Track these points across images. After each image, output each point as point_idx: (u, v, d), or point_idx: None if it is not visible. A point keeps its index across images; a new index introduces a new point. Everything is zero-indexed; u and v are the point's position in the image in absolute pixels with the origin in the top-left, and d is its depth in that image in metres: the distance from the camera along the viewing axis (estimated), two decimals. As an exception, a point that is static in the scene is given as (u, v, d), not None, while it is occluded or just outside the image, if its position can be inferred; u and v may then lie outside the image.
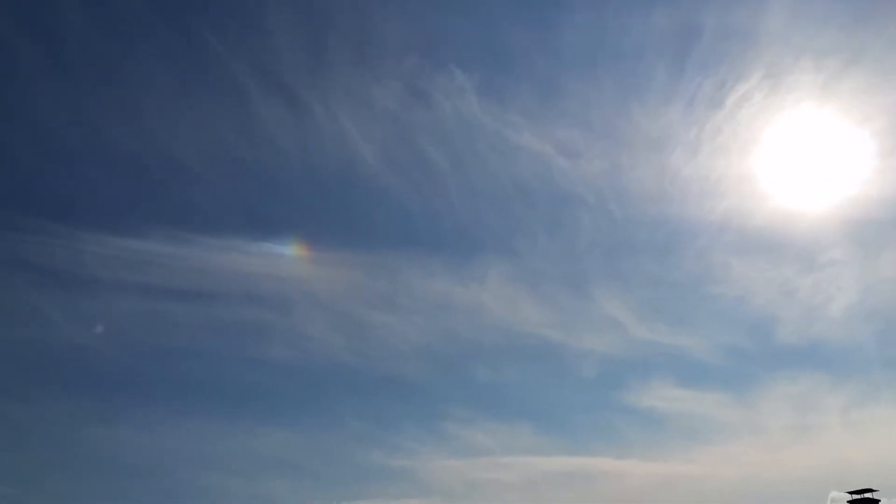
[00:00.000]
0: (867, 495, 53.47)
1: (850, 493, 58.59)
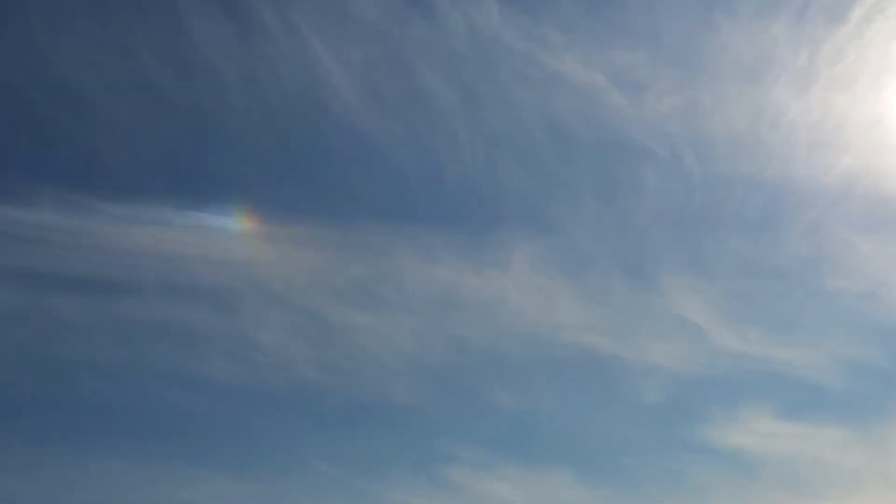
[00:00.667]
0: None
1: None
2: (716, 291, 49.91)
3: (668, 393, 46.59)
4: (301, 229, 45.93)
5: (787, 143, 44.88)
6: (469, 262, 48.25)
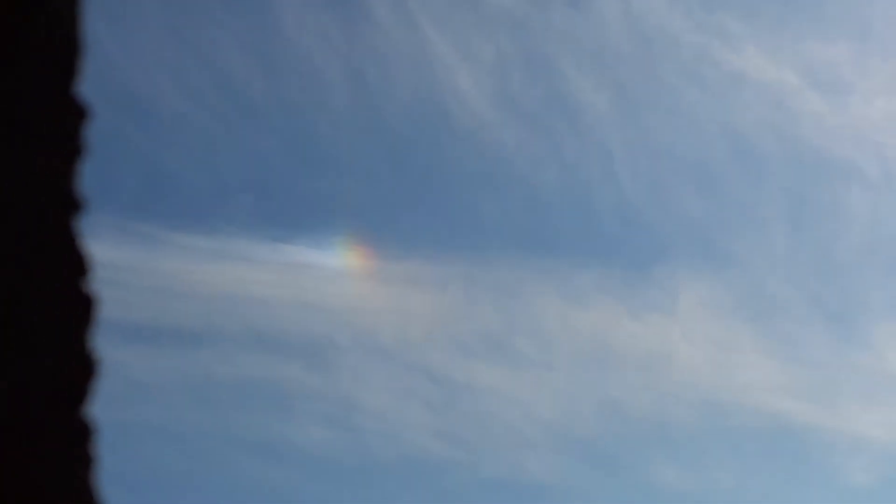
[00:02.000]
0: None
1: None
2: None
3: (882, 472, 36.60)
4: (417, 266, 36.13)
5: None
6: (626, 305, 38.49)
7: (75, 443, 5.81)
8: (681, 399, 37.94)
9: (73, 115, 5.12)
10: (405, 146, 37.70)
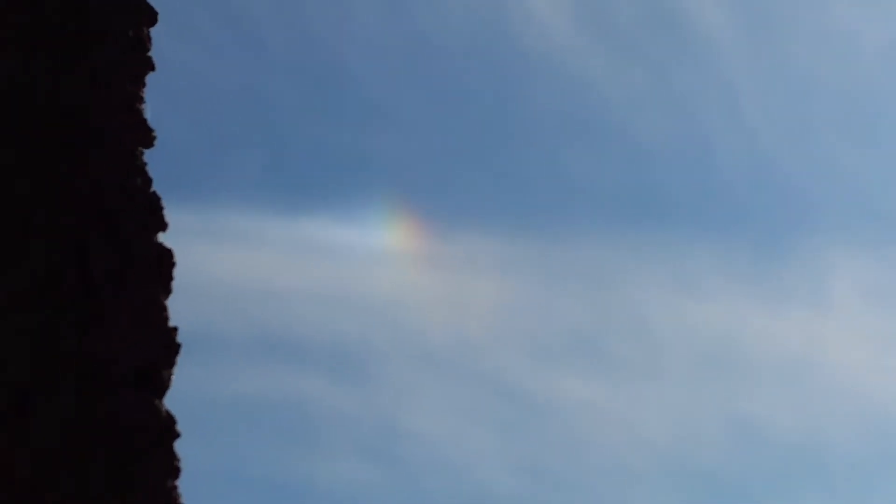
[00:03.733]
0: None
1: None
2: None
3: None
4: (479, 245, 24.91)
5: None
6: (759, 292, 27.77)
7: (159, 443, 5.28)
8: (836, 416, 27.41)
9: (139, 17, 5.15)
10: (461, 87, 25.92)
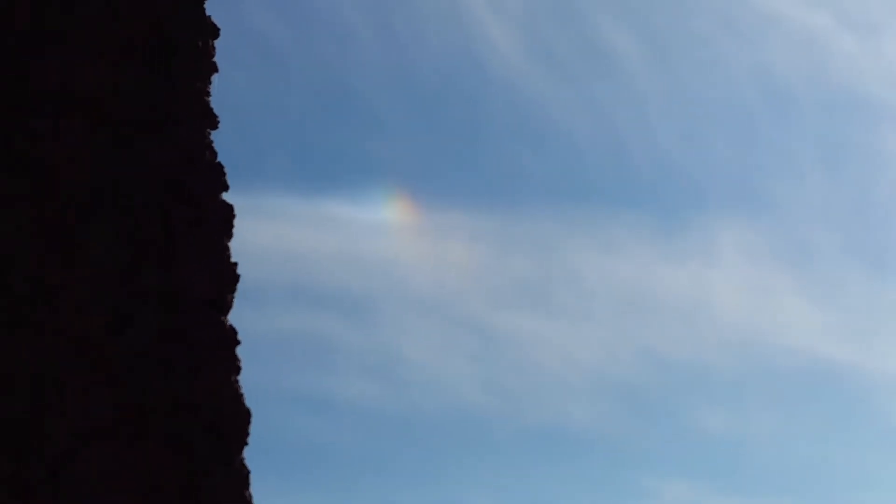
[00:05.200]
0: None
1: None
2: None
3: None
4: (454, 218, 35.28)
5: None
6: (663, 252, 37.60)
7: (224, 348, 7.06)
8: (720, 344, 37.13)
9: (206, 33, 6.84)
10: (439, 100, 36.85)
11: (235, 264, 7.03)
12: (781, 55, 37.47)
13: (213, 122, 7.12)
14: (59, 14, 6.73)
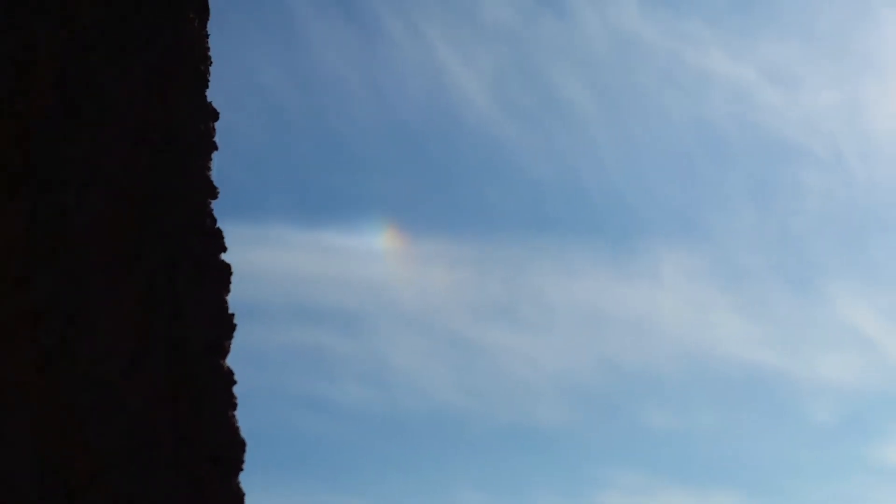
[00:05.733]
0: None
1: None
2: (890, 299, 46.38)
3: (842, 411, 43.79)
4: (437, 245, 42.85)
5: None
6: (615, 274, 45.37)
7: (223, 387, 8.14)
8: (666, 354, 44.47)
9: (207, 117, 7.94)
10: (421, 144, 43.94)
11: (233, 315, 8.12)
12: (714, 106, 44.78)
13: (213, 192, 8.21)
14: (84, 97, 7.77)
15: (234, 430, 8.11)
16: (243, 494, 8.04)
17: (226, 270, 7.98)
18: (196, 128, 7.83)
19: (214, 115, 8.00)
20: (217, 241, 8.04)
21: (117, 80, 7.78)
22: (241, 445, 8.09)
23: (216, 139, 8.00)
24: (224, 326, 8.04)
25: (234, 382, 8.23)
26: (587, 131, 44.40)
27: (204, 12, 7.94)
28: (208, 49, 7.94)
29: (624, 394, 45.44)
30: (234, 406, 8.18)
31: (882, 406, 48.78)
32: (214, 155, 8.13)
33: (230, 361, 8.47)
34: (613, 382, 44.72)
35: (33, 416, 7.50)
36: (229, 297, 8.08)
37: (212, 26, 8.19)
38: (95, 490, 7.63)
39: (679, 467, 44.39)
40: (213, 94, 8.34)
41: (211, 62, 8.21)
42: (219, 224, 8.24)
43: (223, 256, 8.04)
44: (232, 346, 8.23)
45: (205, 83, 7.89)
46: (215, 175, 8.28)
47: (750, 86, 44.36)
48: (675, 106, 45.26)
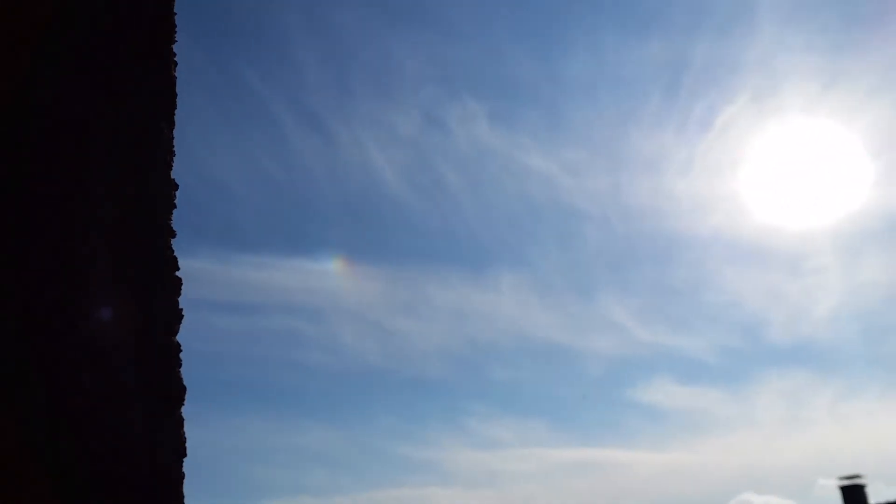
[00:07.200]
0: (856, 481, 48.10)
1: (840, 478, 49.43)
2: (635, 303, 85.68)
3: (606, 369, 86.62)
4: (366, 268, 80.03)
5: (677, 208, 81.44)
6: (474, 286, 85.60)
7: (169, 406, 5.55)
8: (504, 333, 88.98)
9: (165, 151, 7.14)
10: (361, 208, 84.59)
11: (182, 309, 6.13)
12: (534, 185, 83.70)
13: (169, 237, 6.87)
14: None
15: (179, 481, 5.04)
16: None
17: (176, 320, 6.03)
18: (155, 208, 6.69)
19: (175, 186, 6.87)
20: (174, 356, 6.23)
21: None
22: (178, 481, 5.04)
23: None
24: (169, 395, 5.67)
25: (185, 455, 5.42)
26: (459, 201, 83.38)
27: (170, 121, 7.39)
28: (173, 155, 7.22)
29: (479, 358, 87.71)
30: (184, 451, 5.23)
31: (630, 366, 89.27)
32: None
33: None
34: (473, 351, 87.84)
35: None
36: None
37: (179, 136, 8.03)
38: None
39: (511, 402, 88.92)
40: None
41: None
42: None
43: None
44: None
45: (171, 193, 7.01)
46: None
47: (555, 175, 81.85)
48: (511, 186, 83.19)
